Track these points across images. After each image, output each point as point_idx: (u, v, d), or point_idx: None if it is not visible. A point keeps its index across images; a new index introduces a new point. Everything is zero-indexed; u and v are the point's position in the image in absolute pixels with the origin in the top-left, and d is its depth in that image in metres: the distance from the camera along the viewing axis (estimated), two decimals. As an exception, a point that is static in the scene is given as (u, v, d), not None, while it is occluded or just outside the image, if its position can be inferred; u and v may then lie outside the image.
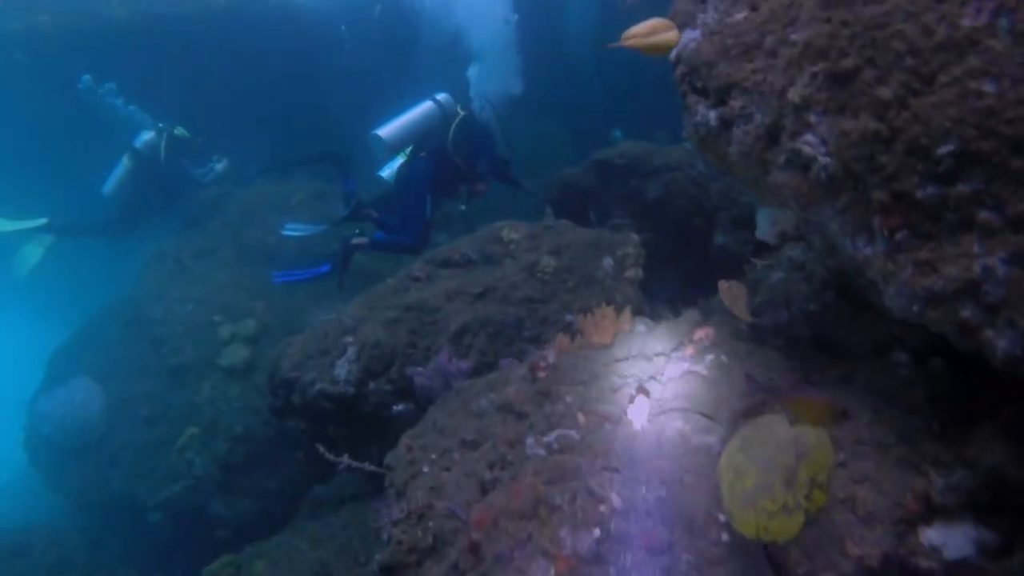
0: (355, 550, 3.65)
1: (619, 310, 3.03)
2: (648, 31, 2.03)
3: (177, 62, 8.85)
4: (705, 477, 1.68)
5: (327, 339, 4.13)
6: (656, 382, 2.22)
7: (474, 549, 1.91)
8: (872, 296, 1.95)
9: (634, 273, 3.97)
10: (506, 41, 6.61)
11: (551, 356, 2.60)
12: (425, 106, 5.53)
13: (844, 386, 1.88)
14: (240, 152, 8.54)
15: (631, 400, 2.07)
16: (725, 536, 1.52)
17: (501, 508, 1.92)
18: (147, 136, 7.80)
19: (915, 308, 1.49)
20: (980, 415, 1.64)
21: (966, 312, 1.39)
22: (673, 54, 2.24)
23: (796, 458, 1.40)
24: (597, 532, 1.66)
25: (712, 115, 2.03)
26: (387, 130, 5.42)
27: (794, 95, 1.73)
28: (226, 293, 6.71)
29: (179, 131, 7.89)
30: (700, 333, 2.37)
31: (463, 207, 6.11)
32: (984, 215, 1.37)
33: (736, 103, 1.94)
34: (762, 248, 4.94)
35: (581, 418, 2.15)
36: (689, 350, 2.27)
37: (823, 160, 1.66)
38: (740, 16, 2.02)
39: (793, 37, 1.80)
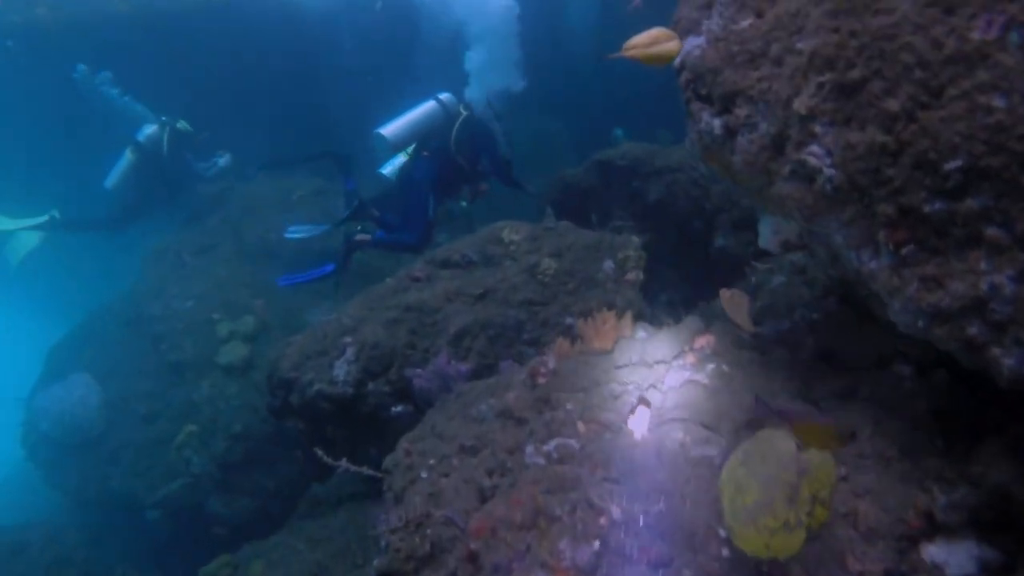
0: (353, 552, 3.65)
1: (620, 315, 3.01)
2: (649, 41, 2.01)
3: (176, 57, 8.82)
4: (705, 490, 1.67)
5: (326, 339, 4.11)
6: (656, 390, 2.20)
7: (472, 558, 1.90)
8: (875, 307, 1.93)
9: (635, 276, 3.96)
10: (507, 38, 6.59)
11: (551, 362, 2.58)
12: (428, 105, 5.54)
13: (846, 399, 1.87)
14: (239, 148, 8.52)
15: (632, 410, 2.06)
16: (726, 551, 1.51)
17: (500, 517, 1.90)
18: (150, 129, 7.78)
19: (920, 324, 1.48)
20: (985, 432, 1.63)
21: (973, 329, 1.37)
22: (677, 60, 2.22)
23: (798, 474, 1.39)
24: (597, 545, 1.64)
25: (716, 123, 2.01)
26: (390, 129, 5.42)
27: (800, 105, 1.71)
28: (226, 290, 6.69)
29: (182, 125, 7.87)
30: (701, 341, 2.35)
31: (464, 203, 6.10)
32: (992, 232, 1.35)
33: (741, 111, 1.93)
34: (763, 252, 4.92)
35: (581, 427, 2.13)
36: (690, 358, 2.26)
37: (828, 172, 1.64)
38: (745, 23, 2.00)
39: (799, 46, 1.78)
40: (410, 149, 5.58)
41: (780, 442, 1.45)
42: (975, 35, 1.39)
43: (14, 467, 8.11)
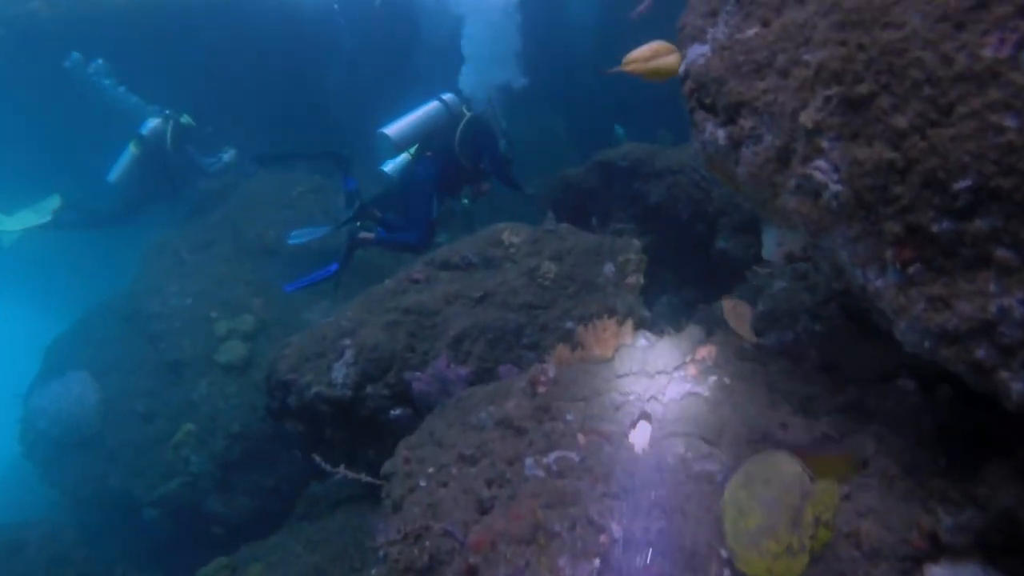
0: (350, 556, 3.64)
1: (621, 321, 3.00)
2: (649, 55, 1.98)
3: (174, 52, 8.76)
4: (707, 508, 1.65)
5: (324, 341, 4.09)
6: (657, 402, 2.18)
7: (471, 572, 1.89)
8: (879, 319, 1.92)
9: (635, 280, 3.93)
10: (507, 33, 6.56)
11: (551, 370, 2.56)
12: (431, 106, 5.55)
13: (849, 414, 1.85)
14: (238, 144, 8.48)
15: (633, 423, 2.04)
16: (727, 573, 1.50)
17: (499, 531, 1.89)
18: (153, 123, 7.73)
19: (927, 345, 1.46)
20: (990, 451, 1.61)
21: (981, 352, 1.35)
22: (681, 68, 2.20)
23: (801, 497, 1.37)
24: (597, 563, 1.63)
25: (721, 133, 1.98)
26: (394, 128, 5.42)
27: (806, 119, 1.69)
28: (224, 288, 6.67)
29: (185, 119, 7.82)
30: (703, 351, 2.33)
31: (466, 200, 6.10)
32: (1002, 253, 1.33)
33: (746, 123, 1.90)
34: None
35: (581, 438, 2.11)
36: (691, 370, 2.24)
37: (835, 188, 1.62)
38: (751, 32, 1.97)
39: (806, 57, 1.75)
40: (412, 149, 5.58)
41: (783, 463, 1.43)
42: (987, 52, 1.36)
43: (12, 465, 8.10)
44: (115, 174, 7.63)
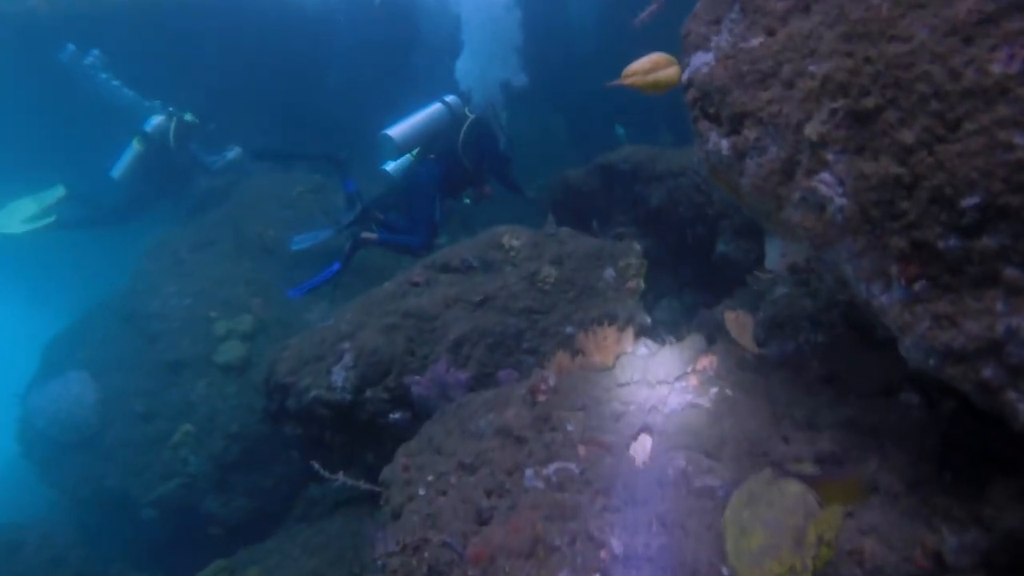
0: (348, 561, 3.62)
1: (621, 328, 2.98)
2: (649, 68, 1.97)
3: (174, 50, 8.74)
4: (707, 525, 1.64)
5: (323, 344, 4.08)
6: (658, 413, 2.17)
7: (470, 585, 1.87)
8: (882, 331, 1.90)
9: (635, 284, 3.92)
10: (507, 32, 6.54)
11: (551, 378, 2.55)
12: (434, 108, 5.54)
13: (852, 429, 1.83)
14: (238, 142, 8.46)
15: (633, 436, 2.02)
16: (729, 591, 1.49)
17: (499, 545, 1.87)
18: (157, 120, 7.71)
19: (932, 363, 1.44)
20: (995, 468, 1.59)
21: (987, 372, 1.34)
22: (685, 76, 2.18)
23: (805, 517, 1.36)
24: (597, 579, 1.62)
25: (724, 144, 1.97)
26: (397, 130, 5.41)
27: (811, 131, 1.67)
28: (223, 288, 6.64)
29: (188, 117, 7.80)
30: (704, 361, 2.32)
31: (468, 200, 6.09)
32: (1010, 272, 1.31)
33: (750, 134, 1.88)
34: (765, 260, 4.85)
35: (582, 449, 2.10)
36: (692, 380, 2.22)
37: (840, 201, 1.60)
38: (756, 42, 1.95)
39: (812, 69, 1.73)
40: (415, 150, 5.58)
41: (785, 483, 1.41)
42: (995, 68, 1.35)
43: (10, 464, 8.09)
44: (119, 170, 7.61)
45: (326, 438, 4.14)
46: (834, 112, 1.63)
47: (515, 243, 4.22)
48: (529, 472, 2.09)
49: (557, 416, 2.36)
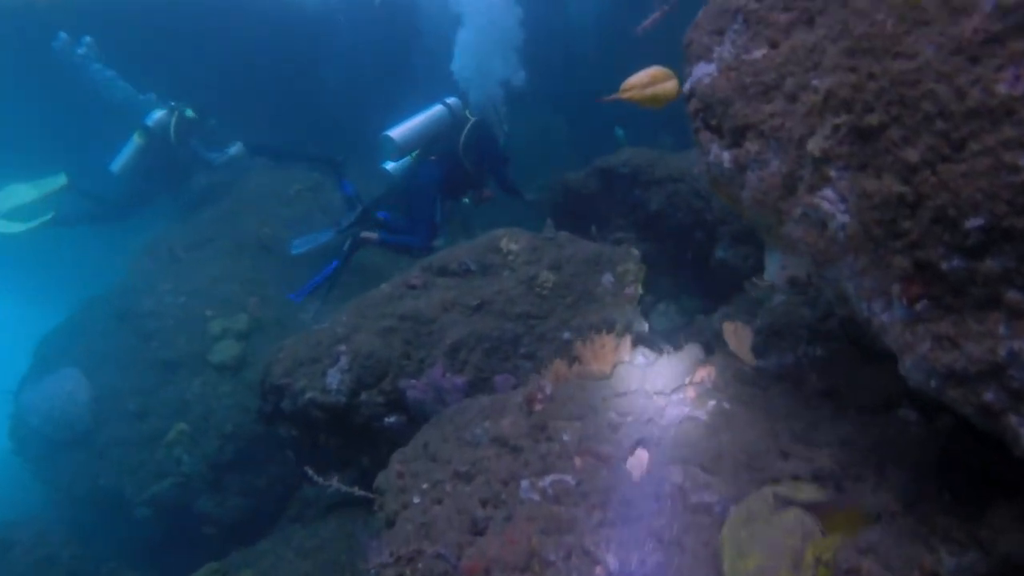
0: (342, 565, 3.61)
1: (619, 335, 2.97)
2: (647, 81, 1.95)
3: (174, 46, 8.69)
4: (704, 542, 1.62)
5: (319, 346, 4.05)
6: (655, 425, 2.16)
7: (464, 598, 1.86)
8: (881, 345, 1.89)
9: (634, 290, 3.90)
10: (507, 31, 6.52)
11: (548, 387, 2.53)
12: (436, 109, 5.55)
13: (850, 446, 1.82)
14: (237, 139, 8.41)
15: (630, 448, 2.01)
16: (725, 611, 1.47)
17: (493, 557, 1.86)
18: (159, 114, 7.67)
19: (933, 384, 1.43)
20: (993, 487, 1.59)
21: (989, 395, 1.32)
22: (687, 87, 2.16)
23: (803, 538, 1.34)
24: (592, 596, 1.60)
25: (726, 156, 1.95)
26: (398, 131, 5.40)
27: (814, 147, 1.65)
28: (219, 286, 6.61)
29: (189, 113, 7.75)
30: (702, 373, 2.30)
31: (467, 200, 6.08)
32: (1013, 295, 1.30)
33: (752, 146, 1.87)
34: (763, 267, 4.84)
35: (578, 461, 2.09)
36: (690, 392, 2.21)
37: (842, 219, 1.59)
38: (759, 53, 1.94)
39: (815, 83, 1.72)
40: (415, 152, 5.58)
41: (784, 501, 1.40)
42: (1001, 88, 1.33)
43: (2, 461, 8.04)
44: (118, 164, 7.55)
45: (321, 440, 4.12)
46: (837, 128, 1.61)
47: (513, 247, 4.21)
48: (525, 483, 2.08)
49: (553, 426, 2.34)
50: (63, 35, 7.85)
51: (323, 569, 3.66)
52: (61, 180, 7.61)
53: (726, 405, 2.11)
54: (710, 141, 2.02)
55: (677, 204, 5.11)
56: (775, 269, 2.11)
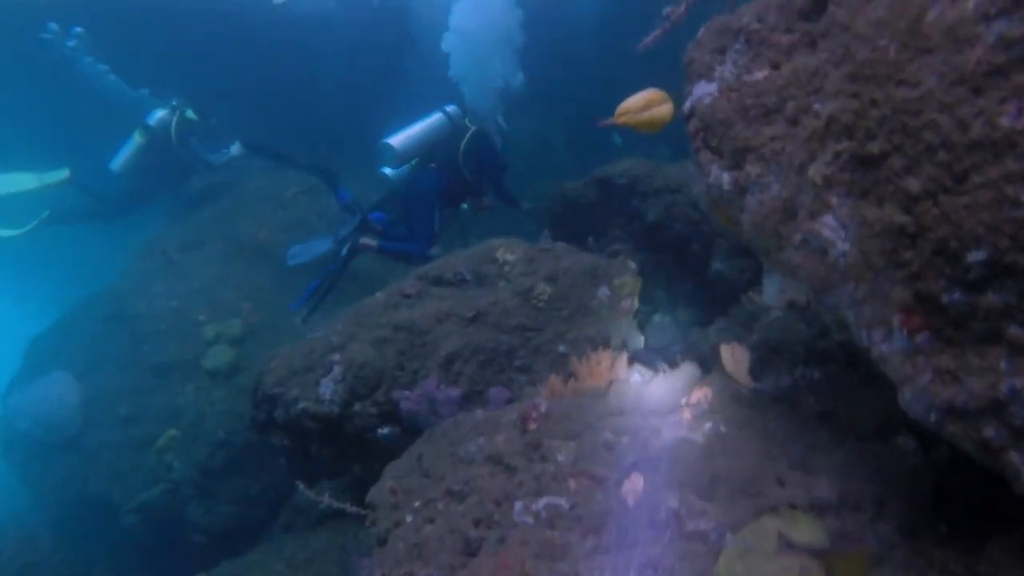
0: (333, 578, 3.58)
1: (616, 351, 2.95)
2: (642, 105, 1.94)
3: (173, 45, 8.67)
4: (699, 572, 1.60)
5: (313, 355, 4.02)
6: (651, 447, 2.14)
7: (455, 623, 1.83)
8: (879, 370, 1.88)
9: (630, 304, 3.89)
10: (506, 34, 6.50)
11: (543, 405, 2.51)
12: (435, 117, 5.54)
13: (848, 474, 1.81)
14: (236, 138, 8.38)
15: (625, 471, 1.99)
16: (720, 644, 1.45)
17: (485, 582, 1.83)
18: (160, 114, 7.63)
19: (933, 418, 1.41)
20: (991, 520, 1.57)
21: (990, 432, 1.31)
22: (687, 105, 2.15)
23: (799, 573, 1.32)
24: (585, 625, 1.58)
25: (726, 178, 1.94)
26: (398, 139, 5.39)
27: (815, 173, 1.64)
28: (213, 290, 6.57)
29: (189, 114, 7.72)
30: (698, 394, 2.29)
31: (465, 206, 6.07)
32: (1014, 331, 1.29)
33: (752, 169, 1.85)
34: (759, 280, 4.82)
35: (572, 483, 2.06)
36: (686, 414, 2.19)
37: (842, 247, 1.57)
38: (760, 75, 1.93)
39: (816, 107, 1.71)
40: (414, 159, 5.57)
41: (780, 534, 1.38)
42: (1004, 121, 1.32)
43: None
44: (118, 162, 7.50)
45: (313, 450, 4.08)
46: (839, 154, 1.60)
47: (510, 257, 4.19)
48: (519, 505, 2.05)
49: (548, 445, 2.32)
50: (53, 26, 7.79)
51: (313, 582, 3.62)
52: (63, 173, 7.56)
53: (722, 428, 2.09)
54: (710, 162, 2.01)
55: (675, 215, 5.10)
56: (774, 291, 2.10)
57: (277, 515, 5.60)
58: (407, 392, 3.77)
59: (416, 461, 2.91)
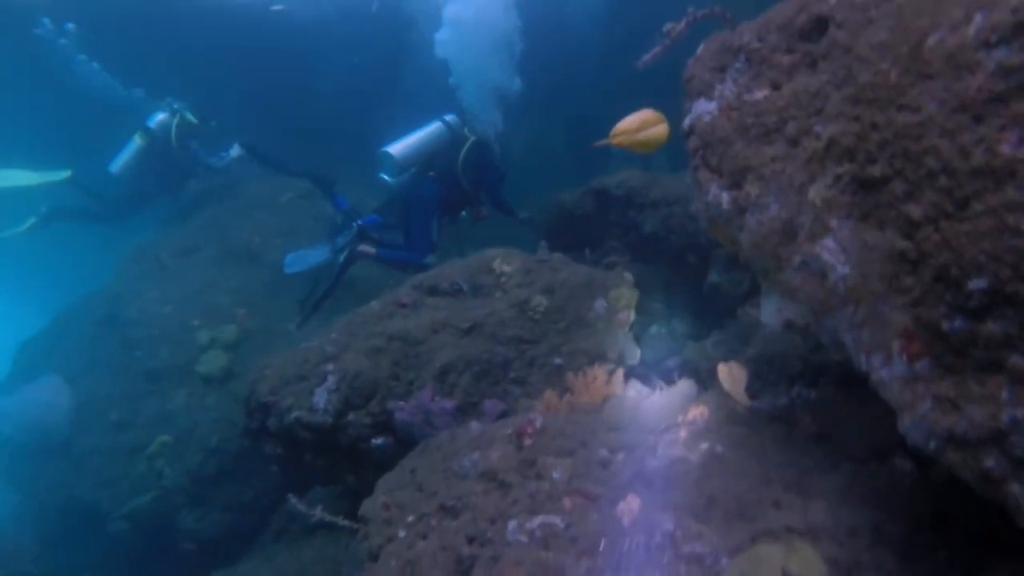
0: (324, 591, 3.53)
1: (612, 365, 2.94)
2: (638, 126, 1.94)
3: (164, 47, 8.65)
4: (697, 597, 1.59)
5: (307, 364, 3.99)
6: (646, 466, 2.12)
7: (447, 645, 1.81)
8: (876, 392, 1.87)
9: (626, 316, 3.88)
10: (505, 41, 6.52)
11: (538, 420, 2.49)
12: (435, 127, 5.56)
13: (844, 498, 1.79)
14: (227, 144, 8.36)
15: (621, 491, 1.97)
16: (716, 673, 1.43)
17: (479, 603, 1.81)
18: (160, 116, 7.61)
19: (933, 446, 1.40)
20: (990, 546, 1.56)
21: (990, 462, 1.30)
22: (686, 123, 2.14)
23: (798, 602, 1.31)
24: (580, 651, 1.56)
25: (725, 197, 1.93)
26: (397, 148, 5.41)
27: (815, 195, 1.63)
28: (206, 295, 6.53)
29: (189, 117, 7.70)
30: (694, 412, 2.27)
31: (464, 213, 6.07)
32: (1015, 361, 1.28)
33: (752, 189, 1.85)
34: (756, 293, 4.82)
35: (567, 502, 2.04)
36: (682, 433, 2.18)
37: (842, 270, 1.56)
38: (760, 95, 1.92)
39: (817, 129, 1.70)
40: (413, 168, 5.58)
41: (777, 564, 1.37)
42: (1005, 149, 1.31)
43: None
44: (117, 165, 7.48)
45: (306, 460, 4.05)
46: (839, 177, 1.59)
47: (506, 268, 4.17)
48: (513, 524, 2.03)
49: (543, 462, 2.30)
50: (46, 21, 7.78)
51: (304, 594, 3.58)
52: (64, 174, 7.53)
53: (719, 448, 2.07)
54: (709, 180, 2.00)
55: (672, 227, 5.11)
56: (771, 311, 2.09)
57: (269, 522, 5.56)
58: (402, 403, 3.75)
59: (409, 475, 2.89)
